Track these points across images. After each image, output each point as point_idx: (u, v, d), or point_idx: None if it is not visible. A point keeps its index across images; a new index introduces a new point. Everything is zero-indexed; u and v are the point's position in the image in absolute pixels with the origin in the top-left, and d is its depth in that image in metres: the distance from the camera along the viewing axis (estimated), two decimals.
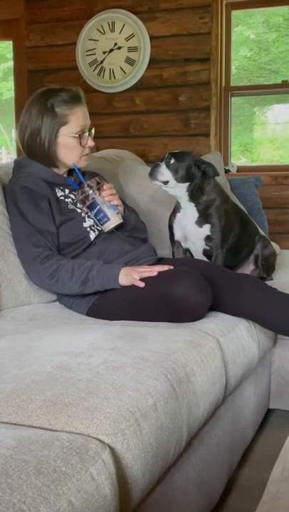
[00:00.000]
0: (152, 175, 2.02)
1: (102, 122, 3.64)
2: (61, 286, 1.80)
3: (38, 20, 3.88)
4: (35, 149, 1.91)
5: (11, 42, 4.09)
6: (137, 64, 3.70)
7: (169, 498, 1.26)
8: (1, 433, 0.97)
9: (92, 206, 1.90)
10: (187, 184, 2.04)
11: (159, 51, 3.67)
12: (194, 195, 2.07)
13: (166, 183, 2.02)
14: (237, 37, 3.91)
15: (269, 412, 2.18)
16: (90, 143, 1.95)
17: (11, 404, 1.09)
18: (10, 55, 4.19)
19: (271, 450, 1.82)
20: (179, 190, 2.06)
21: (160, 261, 1.96)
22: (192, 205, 2.09)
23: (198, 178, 2.06)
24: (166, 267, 1.75)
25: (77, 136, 1.90)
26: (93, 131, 1.98)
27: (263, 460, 1.85)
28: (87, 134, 1.93)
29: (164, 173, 2.01)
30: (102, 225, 1.91)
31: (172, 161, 2.01)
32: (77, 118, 1.90)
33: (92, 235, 1.91)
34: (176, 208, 2.17)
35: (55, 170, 1.96)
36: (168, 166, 2.01)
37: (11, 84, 4.35)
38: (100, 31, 3.76)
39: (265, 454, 1.89)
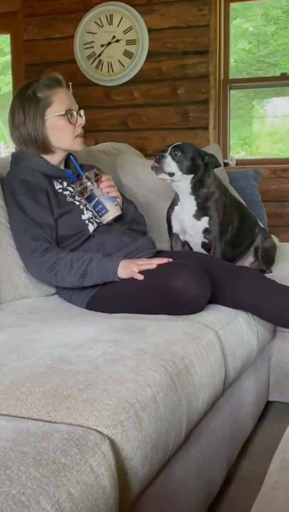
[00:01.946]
0: (158, 167, 2.00)
1: (101, 116, 3.63)
2: (60, 279, 1.79)
3: (35, 14, 3.87)
4: (26, 140, 1.91)
5: (8, 35, 4.08)
6: (135, 57, 3.69)
7: (169, 490, 1.27)
8: (0, 425, 0.97)
9: (90, 198, 1.90)
10: (191, 176, 2.04)
11: (158, 44, 3.66)
12: (196, 188, 2.06)
13: (171, 175, 2.01)
14: (235, 30, 3.90)
15: (268, 404, 2.19)
16: (81, 121, 1.93)
17: (10, 396, 1.09)
18: (7, 48, 4.17)
19: (270, 442, 1.82)
20: (183, 183, 2.05)
21: (159, 254, 1.96)
22: (192, 198, 2.08)
23: (201, 170, 2.05)
24: (165, 260, 1.75)
25: (64, 113, 1.88)
26: (83, 112, 1.95)
27: (263, 452, 1.85)
28: (75, 112, 1.91)
29: (170, 164, 1.99)
30: (100, 217, 1.91)
31: (178, 152, 2.00)
32: (61, 98, 1.89)
33: (91, 228, 1.91)
34: (175, 201, 2.17)
35: (53, 159, 1.95)
36: (173, 157, 2.00)
37: (8, 78, 4.34)
38: (98, 24, 3.74)
39: (265, 446, 1.89)
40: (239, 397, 1.79)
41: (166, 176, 2.01)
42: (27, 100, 1.87)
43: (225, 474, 1.65)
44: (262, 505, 0.82)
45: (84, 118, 1.94)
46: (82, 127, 1.95)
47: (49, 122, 1.88)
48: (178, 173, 2.01)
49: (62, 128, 1.90)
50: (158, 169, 2.00)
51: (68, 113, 1.89)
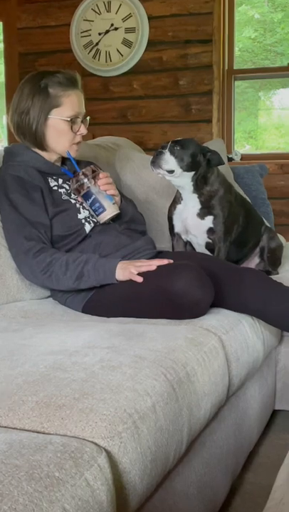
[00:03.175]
0: (155, 163, 2.00)
1: (98, 108, 3.63)
2: (55, 282, 1.79)
3: (29, 0, 3.87)
4: (25, 131, 1.92)
5: (0, 23, 4.08)
6: (134, 46, 3.69)
7: (169, 504, 1.27)
8: None
9: (87, 196, 1.90)
10: (192, 173, 2.04)
11: (158, 32, 3.66)
12: (198, 186, 2.06)
13: (170, 172, 2.00)
14: (240, 17, 3.90)
15: (275, 413, 2.19)
16: (82, 130, 1.94)
17: (1, 406, 1.09)
18: (0, 37, 4.17)
19: (277, 453, 1.83)
20: (184, 180, 2.05)
21: (159, 254, 1.96)
22: (195, 196, 2.08)
23: (203, 166, 2.05)
24: (165, 261, 1.75)
25: (68, 120, 1.89)
26: (88, 119, 1.97)
27: (269, 464, 1.85)
28: (80, 120, 1.93)
29: (169, 161, 1.99)
30: (97, 215, 1.91)
31: (177, 148, 2.00)
32: (72, 102, 1.90)
33: (88, 227, 1.91)
34: (177, 199, 2.17)
35: (47, 156, 1.96)
36: (172, 153, 2.00)
37: (1, 68, 4.34)
38: (96, 11, 3.75)
39: (271, 457, 1.89)
40: (244, 406, 1.79)
41: (165, 173, 2.01)
42: (37, 91, 1.88)
43: (229, 488, 1.65)
44: None
45: (86, 127, 1.95)
46: (82, 136, 1.96)
47: (51, 121, 1.89)
48: (178, 170, 2.00)
49: (62, 132, 1.91)
50: (156, 165, 2.00)
51: (73, 120, 1.90)
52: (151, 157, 2.05)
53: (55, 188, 1.93)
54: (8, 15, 3.98)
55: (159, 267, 1.72)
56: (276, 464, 0.98)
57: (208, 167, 2.07)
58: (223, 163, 2.10)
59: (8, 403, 1.09)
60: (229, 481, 1.66)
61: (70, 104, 1.90)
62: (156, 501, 1.19)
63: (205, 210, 2.09)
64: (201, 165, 2.05)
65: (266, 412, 2.06)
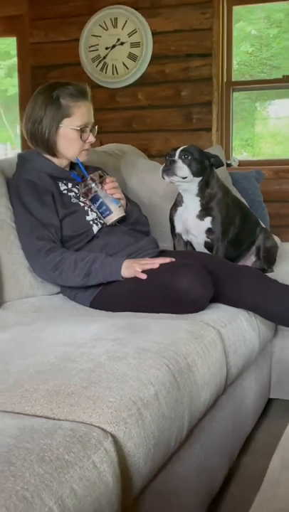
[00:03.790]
0: (170, 171, 2.00)
1: (105, 117, 3.62)
2: (64, 279, 1.80)
3: (41, 17, 3.87)
4: (37, 138, 1.92)
5: (14, 38, 4.08)
6: (139, 59, 3.68)
7: (171, 486, 1.27)
8: (4, 422, 0.97)
9: (94, 199, 1.90)
10: (200, 178, 2.05)
11: (161, 47, 3.66)
12: (202, 189, 2.07)
13: (184, 178, 2.01)
14: (238, 32, 3.89)
15: (270, 402, 2.19)
16: (91, 139, 1.94)
17: (14, 394, 1.09)
18: (14, 51, 4.17)
19: (272, 439, 1.82)
20: (192, 185, 2.06)
21: (162, 253, 1.96)
22: (198, 199, 2.09)
23: (208, 171, 2.06)
24: (167, 260, 1.75)
25: (78, 129, 1.90)
26: (96, 128, 1.97)
27: (264, 449, 1.85)
28: (89, 129, 1.93)
29: (183, 168, 2.00)
30: (104, 218, 1.91)
31: (188, 156, 2.00)
32: (81, 112, 1.90)
33: (95, 228, 1.91)
34: (178, 202, 2.17)
35: (57, 162, 1.96)
36: (184, 161, 2.00)
37: (15, 80, 4.33)
38: (103, 27, 3.74)
39: (266, 443, 1.89)
40: (241, 395, 1.79)
41: (179, 179, 2.01)
42: (50, 101, 1.88)
43: (226, 471, 1.65)
44: (262, 502, 0.82)
45: (94, 136, 1.95)
46: (91, 143, 1.96)
47: (62, 130, 1.89)
48: (190, 176, 2.01)
49: (72, 140, 1.91)
50: (170, 172, 2.00)
51: (82, 129, 1.90)
52: (161, 165, 2.05)
53: (65, 191, 1.93)
54: (21, 31, 3.98)
55: (161, 265, 1.72)
56: (271, 449, 0.98)
57: (211, 171, 2.08)
58: (223, 165, 2.12)
59: (20, 391, 1.09)
60: (227, 465, 1.66)
61: (80, 114, 1.90)
62: (159, 483, 1.19)
63: (204, 212, 2.09)
64: (207, 170, 2.06)
65: (261, 401, 2.06)
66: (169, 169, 2.00)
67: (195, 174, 2.02)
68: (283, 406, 2.16)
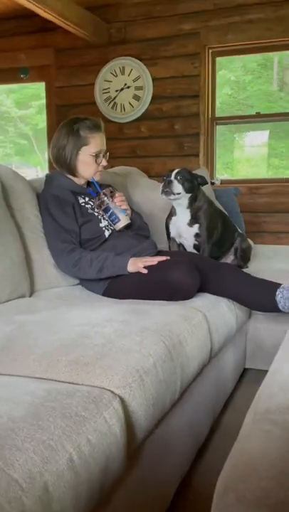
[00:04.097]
0: (168, 190, 1.99)
1: (115, 146, 3.62)
2: (82, 273, 1.79)
3: (64, 66, 3.87)
4: (61, 161, 1.91)
5: (43, 83, 4.08)
6: (142, 100, 3.68)
7: (166, 438, 1.26)
8: (34, 386, 0.97)
9: (106, 210, 1.89)
10: (190, 194, 2.04)
11: (160, 89, 3.65)
12: (191, 203, 2.07)
13: (178, 194, 2.01)
14: (220, 78, 3.88)
15: (245, 371, 2.18)
16: (104, 163, 1.94)
17: (42, 363, 1.09)
18: (43, 93, 4.17)
19: (246, 401, 1.80)
20: (184, 200, 2.05)
21: (159, 253, 1.95)
22: (188, 210, 2.08)
23: (196, 189, 2.06)
24: (164, 258, 1.74)
25: (94, 155, 1.89)
26: (108, 154, 1.96)
27: (240, 408, 1.84)
28: (102, 155, 1.92)
29: (178, 187, 2.00)
30: (114, 224, 1.90)
31: (181, 177, 2.01)
32: (96, 142, 1.89)
33: (107, 233, 1.91)
34: (172, 213, 2.16)
35: (77, 180, 1.95)
36: (178, 181, 2.00)
37: (43, 116, 4.34)
38: (113, 74, 3.74)
39: (242, 404, 1.88)
40: (222, 365, 1.78)
41: (175, 196, 2.01)
42: (71, 133, 1.87)
43: (210, 426, 1.65)
44: (238, 450, 0.82)
45: (106, 160, 1.94)
46: (103, 166, 1.95)
47: (81, 156, 1.88)
48: (182, 192, 2.01)
49: (88, 164, 1.90)
50: (168, 191, 2.00)
51: (97, 155, 1.89)
52: (159, 183, 2.06)
53: (83, 204, 1.93)
54: (49, 77, 3.97)
55: (159, 262, 1.72)
56: (246, 408, 0.97)
57: (198, 188, 2.07)
58: (208, 183, 2.12)
59: (47, 361, 1.09)
60: (210, 422, 1.65)
61: (95, 143, 1.89)
62: (156, 436, 1.19)
63: (193, 220, 2.09)
64: (196, 187, 2.05)
65: (238, 370, 2.05)
66: (167, 188, 2.00)
67: (187, 191, 2.02)
68: (256, 374, 2.15)
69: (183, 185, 2.00)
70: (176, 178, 2.00)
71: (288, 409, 0.92)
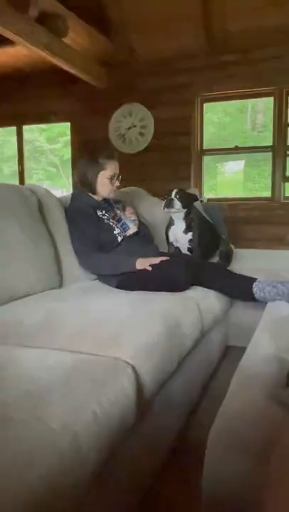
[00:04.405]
0: (169, 205, 2.00)
1: (125, 171, 3.56)
2: (100, 270, 1.79)
3: (85, 110, 3.88)
4: (84, 183, 1.91)
5: (69, 123, 4.10)
6: (145, 136, 3.69)
7: (167, 398, 1.26)
8: (65, 357, 0.96)
9: (119, 220, 1.89)
10: (186, 210, 2.04)
11: (160, 128, 3.66)
12: (186, 215, 2.07)
13: (177, 209, 2.01)
14: (207, 120, 3.89)
15: (228, 348, 2.16)
16: (117, 183, 1.93)
17: (73, 339, 1.09)
18: (68, 131, 4.19)
19: (230, 371, 1.79)
20: (181, 214, 2.05)
21: (161, 254, 1.94)
22: (183, 221, 2.08)
23: (190, 204, 2.06)
24: (165, 258, 1.74)
25: (109, 178, 1.89)
26: (120, 177, 1.96)
27: (225, 377, 1.82)
28: (115, 177, 1.92)
29: (177, 203, 2.00)
30: (125, 232, 1.90)
31: (180, 196, 2.01)
32: (111, 167, 1.89)
33: (119, 239, 1.90)
34: (170, 223, 2.16)
35: (96, 197, 1.95)
36: (178, 199, 2.01)
37: (68, 149, 4.35)
38: (123, 116, 3.75)
39: (226, 374, 1.86)
40: (210, 342, 1.77)
41: (174, 210, 2.01)
42: (91, 161, 1.86)
43: (200, 391, 1.63)
44: (224, 410, 0.82)
45: (119, 182, 1.93)
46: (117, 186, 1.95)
47: (99, 179, 1.88)
48: (180, 208, 2.01)
49: (105, 184, 1.90)
50: (170, 207, 2.00)
51: (111, 178, 1.89)
52: (159, 200, 2.06)
53: (101, 215, 1.93)
54: (73, 119, 3.99)
55: (161, 261, 1.71)
56: (230, 377, 0.96)
57: (191, 204, 2.07)
58: (198, 200, 2.12)
59: (77, 338, 1.09)
60: (201, 387, 1.64)
61: (110, 168, 1.89)
62: (160, 396, 1.18)
63: (187, 229, 2.08)
64: (190, 204, 2.05)
65: (223, 346, 2.04)
66: (169, 204, 2.00)
67: (183, 207, 2.02)
68: (237, 350, 2.13)
69: (181, 202, 2.00)
70: (175, 196, 2.00)
71: (264, 377, 0.91)
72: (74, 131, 4.02)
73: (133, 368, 0.98)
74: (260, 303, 1.79)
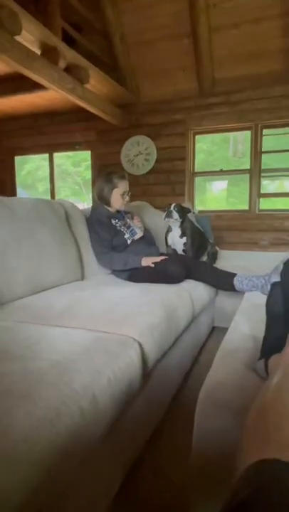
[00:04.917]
0: (168, 216, 2.00)
1: (133, 189, 3.60)
2: (114, 266, 1.78)
3: (102, 141, 3.88)
4: (101, 198, 1.91)
5: (90, 151, 4.10)
6: (150, 161, 3.68)
7: (165, 368, 1.25)
8: (86, 334, 0.96)
9: (128, 227, 1.89)
10: (181, 219, 2.04)
11: (161, 155, 3.65)
12: (181, 224, 2.06)
13: (176, 219, 2.01)
14: (198, 148, 3.87)
15: (214, 328, 2.15)
16: (127, 198, 1.93)
17: (91, 320, 1.09)
18: (89, 157, 4.19)
19: (215, 346, 1.79)
20: (178, 222, 2.05)
21: (161, 254, 1.94)
22: (179, 228, 2.08)
23: (185, 215, 2.06)
24: (164, 257, 1.73)
25: (121, 194, 1.89)
26: (129, 194, 1.95)
27: (211, 351, 1.82)
28: (126, 194, 1.92)
29: (176, 214, 2.00)
30: (133, 236, 1.90)
31: (177, 209, 2.00)
32: (122, 186, 1.89)
33: (129, 242, 1.90)
34: (168, 230, 2.15)
35: (111, 209, 1.95)
36: (176, 211, 2.00)
37: (89, 172, 4.35)
38: (132, 145, 3.74)
39: (213, 348, 1.86)
40: (199, 323, 1.76)
41: (173, 219, 2.01)
42: (107, 180, 1.86)
43: (191, 362, 1.62)
44: (212, 375, 0.81)
45: (129, 197, 1.93)
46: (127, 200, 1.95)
47: (113, 195, 1.87)
48: (178, 218, 2.01)
49: (117, 199, 1.89)
50: (169, 217, 2.00)
51: (123, 194, 1.88)
52: (161, 212, 2.05)
53: (114, 223, 1.92)
54: (92, 147, 3.98)
55: (161, 260, 1.70)
56: (215, 351, 0.96)
57: (186, 215, 2.07)
58: (190, 212, 2.12)
59: (93, 319, 1.09)
60: (191, 359, 1.63)
61: (122, 186, 1.89)
62: (160, 366, 1.18)
63: (182, 234, 2.07)
64: (185, 214, 2.05)
65: (209, 327, 2.03)
66: (169, 215, 2.00)
67: (180, 217, 2.01)
68: (221, 330, 2.13)
69: (178, 213, 2.00)
70: (174, 209, 2.01)
71: (242, 351, 0.91)
72: (94, 157, 4.03)
73: (139, 343, 0.98)
74: (239, 293, 1.78)
